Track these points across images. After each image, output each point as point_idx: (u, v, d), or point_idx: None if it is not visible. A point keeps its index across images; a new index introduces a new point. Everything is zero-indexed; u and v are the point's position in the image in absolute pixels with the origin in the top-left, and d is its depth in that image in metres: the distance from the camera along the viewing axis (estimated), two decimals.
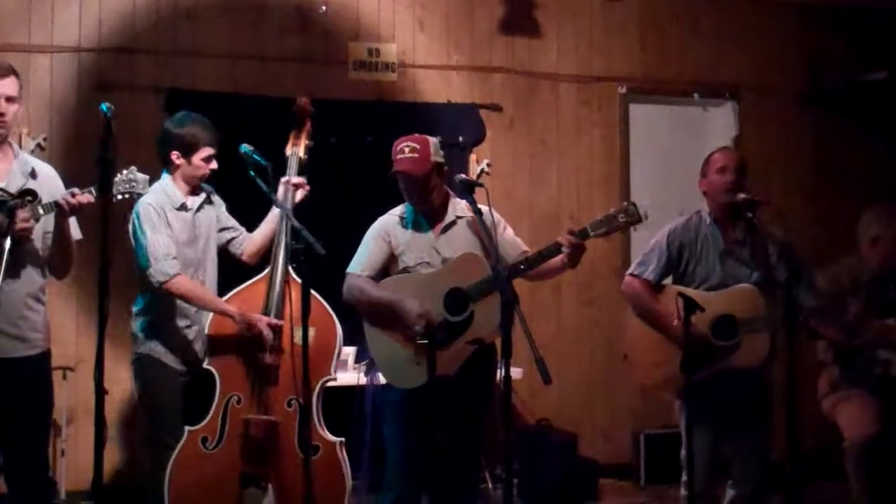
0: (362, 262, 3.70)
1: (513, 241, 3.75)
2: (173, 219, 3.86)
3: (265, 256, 4.01)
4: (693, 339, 3.61)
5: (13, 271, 3.31)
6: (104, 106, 3.06)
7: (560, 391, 5.69)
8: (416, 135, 3.64)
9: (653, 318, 3.88)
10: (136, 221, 3.82)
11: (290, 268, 3.88)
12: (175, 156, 3.89)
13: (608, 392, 5.92)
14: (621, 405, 5.92)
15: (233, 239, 4.10)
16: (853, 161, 6.34)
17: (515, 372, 4.14)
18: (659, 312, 3.85)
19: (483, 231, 3.48)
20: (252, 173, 3.69)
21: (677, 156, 6.04)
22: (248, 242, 4.10)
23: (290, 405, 3.80)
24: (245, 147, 3.65)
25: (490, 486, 5.29)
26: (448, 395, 3.49)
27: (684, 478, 3.76)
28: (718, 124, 6.34)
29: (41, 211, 3.31)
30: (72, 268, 3.56)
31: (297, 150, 4.07)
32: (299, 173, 4.03)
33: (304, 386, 3.37)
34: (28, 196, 3.29)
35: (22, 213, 3.25)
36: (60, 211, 3.33)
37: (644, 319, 3.92)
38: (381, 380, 3.90)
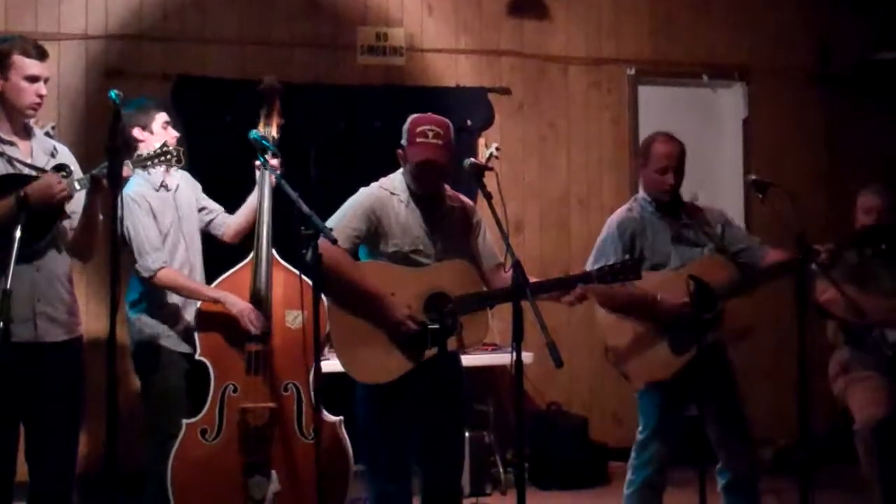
0: (343, 233, 3.40)
1: (491, 248, 3.67)
2: (156, 202, 3.89)
3: (250, 237, 4.02)
4: (681, 318, 3.63)
5: (53, 248, 3.29)
6: (113, 93, 3.06)
7: (570, 375, 5.71)
8: (434, 116, 3.52)
9: (632, 303, 3.80)
10: (122, 214, 3.83)
11: (273, 251, 3.90)
12: (137, 132, 3.92)
13: (618, 376, 5.90)
14: (631, 388, 5.91)
15: (213, 220, 4.13)
16: (865, 142, 6.31)
17: (526, 356, 4.10)
18: (634, 294, 3.76)
19: (494, 218, 3.30)
20: (262, 159, 3.71)
21: (687, 138, 5.82)
22: (230, 222, 4.13)
23: (286, 389, 3.82)
24: (255, 133, 3.66)
25: (501, 470, 5.31)
26: (417, 381, 3.44)
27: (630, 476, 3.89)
28: (728, 106, 6.32)
29: (77, 186, 3.24)
30: (96, 250, 3.52)
31: (269, 129, 4.07)
32: (274, 153, 4.01)
33: (314, 377, 3.31)
34: (63, 171, 3.26)
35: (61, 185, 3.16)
36: (96, 186, 3.26)
37: (621, 311, 3.85)
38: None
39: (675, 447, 3.87)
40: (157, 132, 3.94)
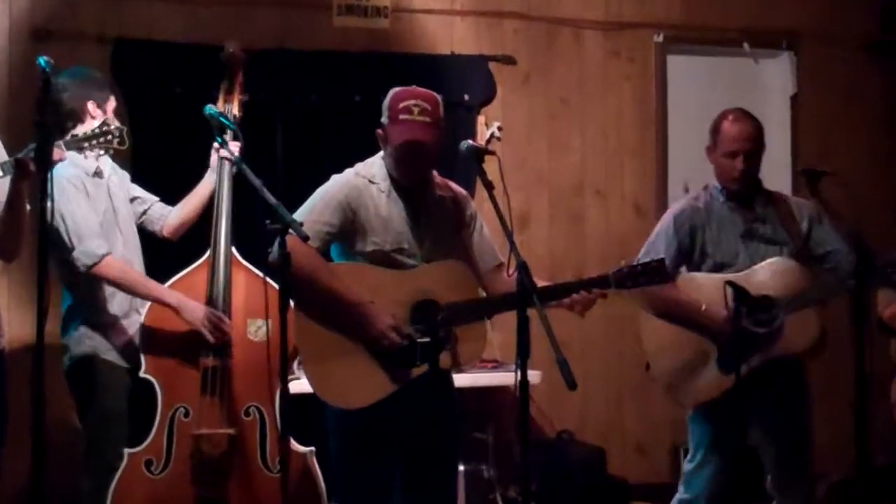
0: (312, 229, 3.35)
1: (489, 247, 3.67)
2: (92, 190, 3.91)
3: (190, 232, 4.05)
4: (732, 333, 3.65)
5: None
6: (42, 60, 3.04)
7: (585, 398, 5.71)
8: (420, 89, 3.51)
9: (673, 307, 3.89)
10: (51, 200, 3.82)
11: (233, 249, 3.91)
12: (92, 107, 3.93)
13: (641, 398, 5.92)
14: (657, 414, 5.91)
15: (146, 211, 4.16)
16: None
17: (532, 375, 4.14)
18: (679, 299, 3.87)
19: (496, 211, 3.26)
20: (219, 140, 3.70)
21: None
22: (170, 214, 4.15)
23: (248, 413, 3.82)
24: (210, 108, 3.65)
25: None
26: (402, 406, 3.43)
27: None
28: (773, 80, 6.32)
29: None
30: (22, 246, 3.51)
31: (229, 107, 4.08)
32: (234, 133, 4.01)
33: (281, 399, 3.32)
34: None
35: None
36: (21, 171, 3.25)
37: (667, 317, 3.93)
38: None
39: (728, 480, 3.89)
40: (110, 115, 3.97)
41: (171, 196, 4.24)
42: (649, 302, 3.93)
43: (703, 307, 3.81)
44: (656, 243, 3.98)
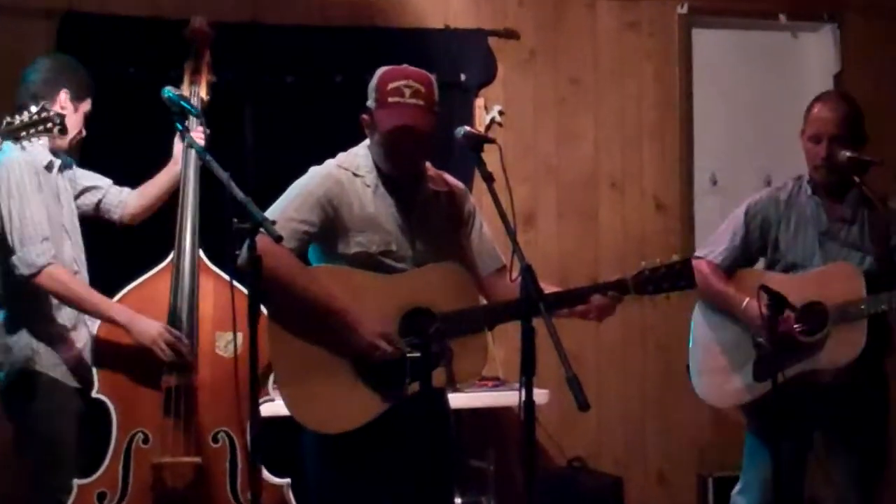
0: (287, 228, 3.37)
1: (490, 248, 3.70)
2: (44, 185, 3.95)
3: (150, 231, 4.10)
4: (774, 338, 3.72)
5: None
6: None
7: (599, 420, 5.74)
8: (411, 68, 3.52)
9: (719, 301, 4.08)
10: None
11: (201, 252, 3.94)
12: (64, 95, 4.00)
13: (665, 420, 5.99)
14: (682, 438, 5.98)
15: (101, 200, 4.22)
16: None
17: (539, 395, 4.14)
18: (726, 293, 4.04)
19: (497, 207, 3.25)
20: (179, 126, 3.71)
21: (758, 99, 6.09)
22: (129, 199, 4.22)
23: (216, 440, 3.84)
24: (169, 91, 3.64)
25: None
26: (390, 430, 3.45)
27: None
28: (813, 57, 6.35)
29: None
30: None
31: (196, 89, 4.12)
32: (199, 119, 4.07)
33: (253, 423, 3.31)
34: None
35: None
36: None
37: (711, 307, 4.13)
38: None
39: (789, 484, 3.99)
40: (82, 112, 4.09)
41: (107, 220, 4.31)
42: (700, 289, 4.05)
43: (745, 304, 3.96)
44: (723, 233, 4.14)
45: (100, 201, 4.23)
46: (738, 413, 4.16)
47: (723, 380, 4.09)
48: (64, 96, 4.01)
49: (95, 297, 3.89)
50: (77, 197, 4.20)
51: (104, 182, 4.26)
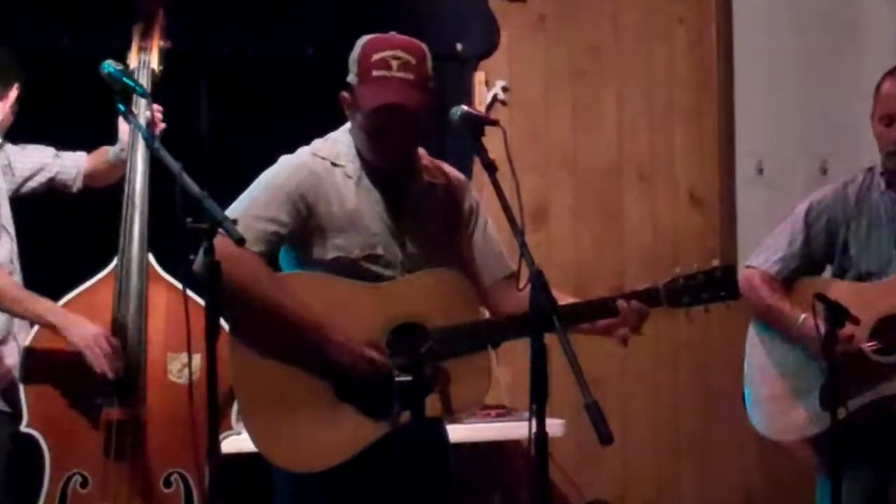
0: (253, 228, 3.37)
1: (495, 251, 3.71)
2: None
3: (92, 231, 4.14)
4: (832, 358, 3.71)
5: None
6: None
7: (625, 456, 5.76)
8: (399, 37, 3.52)
9: (772, 318, 4.08)
10: None
11: (150, 256, 3.96)
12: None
13: (703, 456, 6.00)
14: (725, 478, 5.99)
15: (54, 177, 4.30)
16: None
17: (554, 426, 4.16)
18: (780, 309, 4.03)
19: (501, 202, 3.24)
20: (121, 107, 3.69)
21: (811, 69, 6.08)
22: (82, 165, 4.33)
23: (168, 483, 3.86)
24: (109, 66, 3.62)
25: None
26: (376, 468, 3.45)
27: None
28: (876, 19, 6.34)
29: None
30: None
31: (146, 57, 4.13)
32: (146, 97, 4.04)
33: (212, 462, 3.26)
34: None
35: None
36: None
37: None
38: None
39: None
40: (11, 99, 4.18)
41: (61, 193, 4.34)
42: (751, 306, 4.10)
43: (801, 319, 3.95)
44: (779, 236, 4.14)
45: (51, 180, 4.28)
46: (807, 450, 4.14)
47: (785, 408, 4.08)
48: None
49: (30, 297, 3.91)
50: (19, 188, 4.24)
51: (47, 157, 4.31)
